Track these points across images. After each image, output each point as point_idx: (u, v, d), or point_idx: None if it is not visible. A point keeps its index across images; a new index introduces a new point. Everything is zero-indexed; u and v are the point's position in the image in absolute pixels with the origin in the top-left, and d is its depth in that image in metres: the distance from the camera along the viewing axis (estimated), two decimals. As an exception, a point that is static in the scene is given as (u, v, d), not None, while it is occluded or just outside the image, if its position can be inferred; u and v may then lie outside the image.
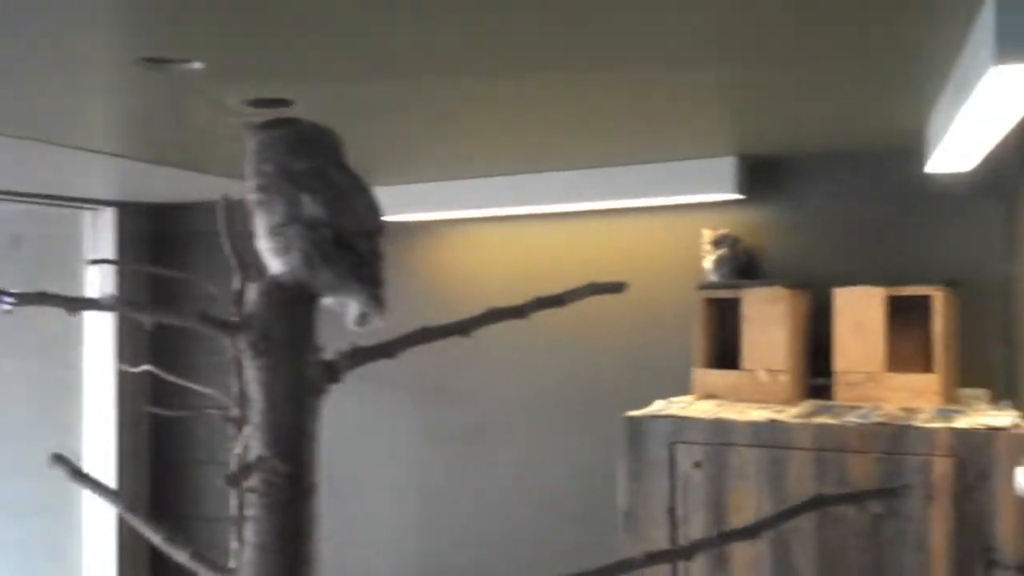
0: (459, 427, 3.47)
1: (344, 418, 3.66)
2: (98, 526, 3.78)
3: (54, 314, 1.01)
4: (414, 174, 3.13)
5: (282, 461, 0.97)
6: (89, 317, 3.69)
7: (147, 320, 1.04)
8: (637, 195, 2.92)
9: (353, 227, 1.02)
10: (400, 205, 3.26)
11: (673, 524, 2.39)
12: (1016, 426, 2.12)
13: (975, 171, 2.39)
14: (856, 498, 1.30)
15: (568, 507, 3.24)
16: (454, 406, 3.48)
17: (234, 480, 0.76)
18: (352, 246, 1.02)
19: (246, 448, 1.00)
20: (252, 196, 1.00)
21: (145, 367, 3.16)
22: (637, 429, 2.46)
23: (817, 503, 0.94)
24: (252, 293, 1.00)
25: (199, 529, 3.77)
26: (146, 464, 3.96)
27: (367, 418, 3.61)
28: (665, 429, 2.42)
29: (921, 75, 1.81)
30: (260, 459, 0.92)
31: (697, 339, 2.76)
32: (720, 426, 2.36)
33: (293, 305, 1.00)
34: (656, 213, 3.10)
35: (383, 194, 3.69)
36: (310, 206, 0.99)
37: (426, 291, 3.42)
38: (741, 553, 2.31)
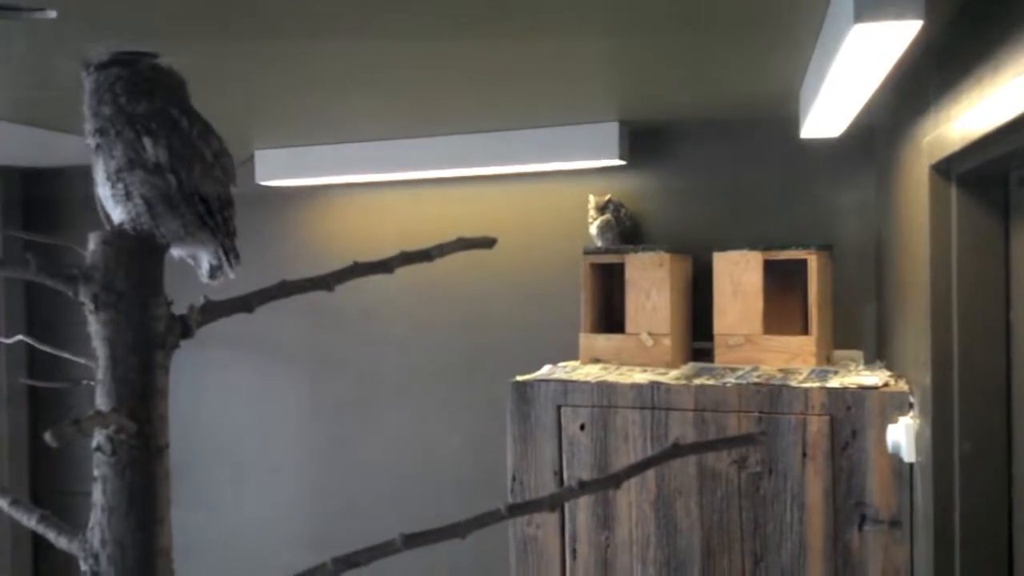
0: (350, 396, 3.43)
1: (234, 391, 3.58)
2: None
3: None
4: (298, 137, 3.06)
5: (127, 419, 0.92)
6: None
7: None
8: (523, 160, 2.90)
9: (200, 173, 0.97)
10: (284, 169, 3.19)
11: (560, 486, 2.41)
12: (887, 385, 2.19)
13: (847, 136, 2.46)
14: (710, 446, 1.32)
15: (458, 473, 3.24)
16: (345, 376, 3.44)
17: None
18: (200, 194, 0.97)
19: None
20: (90, 140, 0.94)
21: (19, 337, 3.03)
22: (524, 393, 2.46)
23: (674, 453, 0.94)
24: (94, 243, 0.95)
25: (81, 505, 3.66)
26: (26, 438, 3.83)
27: (260, 391, 3.55)
28: (551, 393, 2.43)
29: (791, 38, 1.84)
30: (98, 414, 0.87)
31: (583, 304, 2.78)
32: (604, 389, 2.38)
33: (138, 256, 0.95)
34: (543, 178, 3.11)
35: (266, 158, 3.55)
36: (152, 150, 0.94)
37: (310, 258, 3.37)
38: (625, 513, 2.34)
